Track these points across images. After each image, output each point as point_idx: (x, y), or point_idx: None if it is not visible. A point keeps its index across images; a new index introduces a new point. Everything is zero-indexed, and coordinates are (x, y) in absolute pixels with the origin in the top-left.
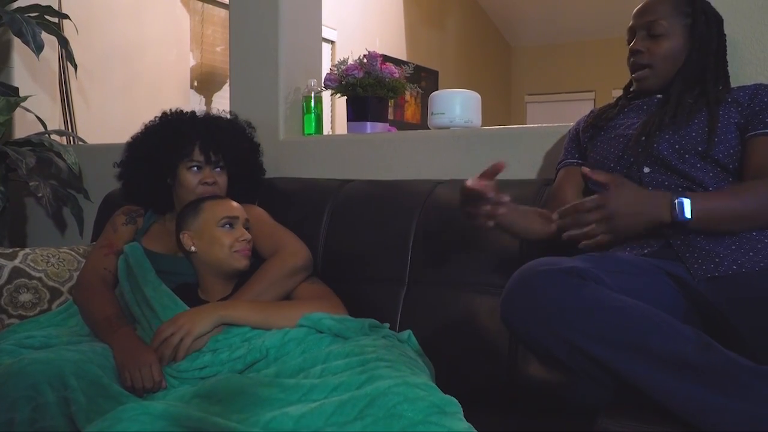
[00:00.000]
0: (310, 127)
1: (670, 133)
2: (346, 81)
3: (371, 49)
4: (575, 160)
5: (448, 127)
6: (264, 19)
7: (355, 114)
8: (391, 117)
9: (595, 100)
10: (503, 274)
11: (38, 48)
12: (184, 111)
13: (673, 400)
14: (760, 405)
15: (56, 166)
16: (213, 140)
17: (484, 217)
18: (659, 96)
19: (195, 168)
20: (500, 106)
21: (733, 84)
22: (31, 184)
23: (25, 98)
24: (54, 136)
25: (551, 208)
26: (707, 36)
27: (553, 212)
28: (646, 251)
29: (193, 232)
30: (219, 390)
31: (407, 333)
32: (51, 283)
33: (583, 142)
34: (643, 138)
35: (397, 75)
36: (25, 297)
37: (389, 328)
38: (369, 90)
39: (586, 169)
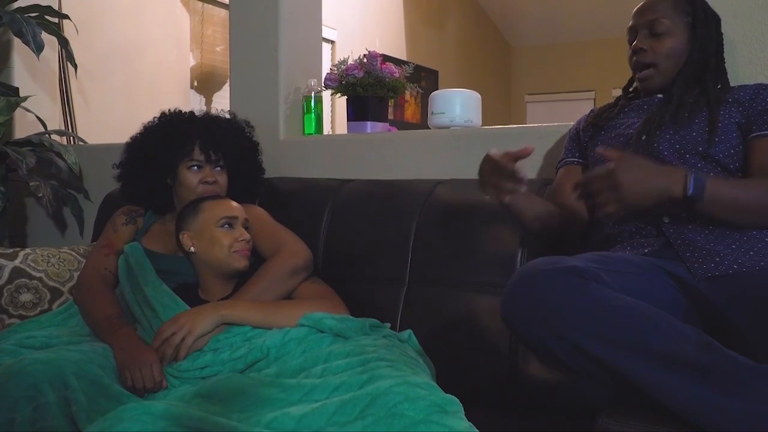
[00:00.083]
0: (310, 127)
1: (671, 133)
2: (346, 81)
3: (371, 49)
4: (575, 159)
5: (448, 127)
6: (264, 19)
7: (355, 114)
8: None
9: (595, 99)
10: (503, 274)
11: (38, 48)
12: (183, 111)
13: (674, 399)
14: (760, 404)
15: (56, 166)
16: (213, 139)
17: (503, 192)
18: (660, 96)
19: (195, 167)
20: (500, 106)
21: (733, 83)
22: (31, 184)
23: (25, 98)
24: (54, 136)
25: None
26: (707, 35)
27: None
28: (646, 250)
29: (193, 232)
30: (220, 390)
31: (408, 333)
32: (51, 283)
33: (584, 141)
34: (644, 137)
35: (397, 75)
36: (25, 297)
37: (390, 328)
38: (369, 90)
39: (600, 149)
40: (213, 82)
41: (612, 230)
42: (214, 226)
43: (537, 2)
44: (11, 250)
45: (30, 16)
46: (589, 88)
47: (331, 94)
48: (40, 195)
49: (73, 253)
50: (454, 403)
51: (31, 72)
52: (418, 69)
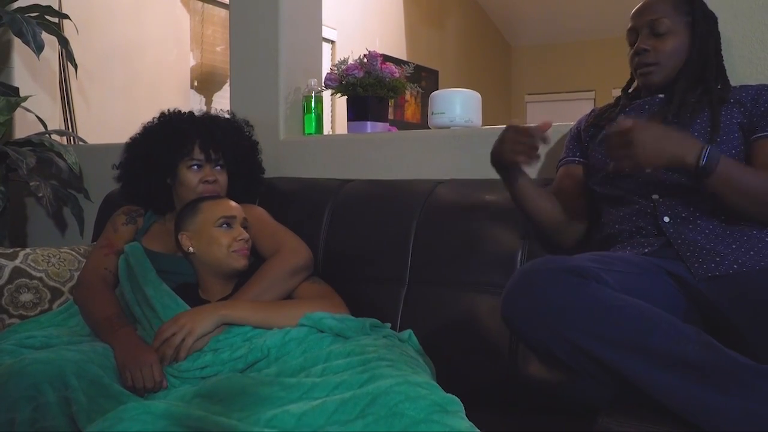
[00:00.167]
0: (311, 127)
1: None
2: (346, 81)
3: (371, 49)
4: (576, 159)
5: (448, 127)
6: (264, 19)
7: (355, 114)
8: (391, 117)
9: (595, 99)
10: (503, 274)
11: (38, 48)
12: (182, 111)
13: (674, 399)
14: (760, 404)
15: (56, 166)
16: (212, 138)
17: (525, 156)
18: (661, 96)
19: (195, 166)
20: (500, 106)
21: (733, 83)
22: (31, 184)
23: (25, 98)
24: (54, 136)
25: None
26: (707, 34)
27: None
28: (646, 250)
29: (191, 232)
30: (220, 389)
31: (408, 332)
32: (52, 283)
33: (585, 141)
34: None
35: (397, 75)
36: (25, 297)
37: (390, 328)
38: (369, 90)
39: (620, 120)
40: (213, 82)
41: (612, 230)
42: (212, 226)
43: (537, 2)
44: (11, 250)
45: (30, 16)
46: (589, 88)
47: (331, 94)
48: (41, 195)
49: (74, 253)
50: (454, 402)
51: (32, 72)
52: (418, 69)
